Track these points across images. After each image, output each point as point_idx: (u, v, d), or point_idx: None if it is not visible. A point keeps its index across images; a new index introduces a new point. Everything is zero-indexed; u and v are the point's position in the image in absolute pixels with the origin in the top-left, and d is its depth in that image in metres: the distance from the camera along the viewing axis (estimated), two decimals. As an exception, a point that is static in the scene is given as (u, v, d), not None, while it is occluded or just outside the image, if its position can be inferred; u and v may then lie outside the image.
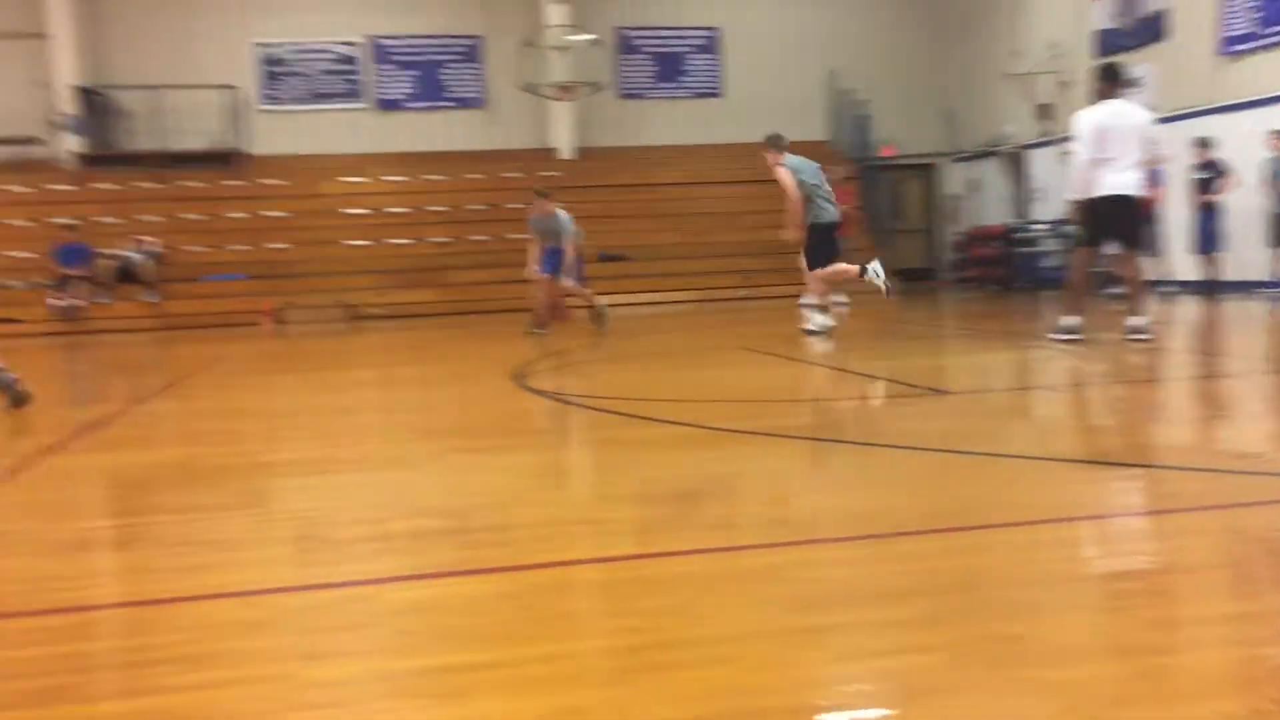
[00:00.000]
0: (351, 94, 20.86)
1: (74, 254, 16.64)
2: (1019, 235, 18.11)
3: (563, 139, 20.78)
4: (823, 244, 9.57)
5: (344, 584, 2.74)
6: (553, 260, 11.28)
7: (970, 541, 2.91)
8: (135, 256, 16.93)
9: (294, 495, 4.09)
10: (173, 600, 2.68)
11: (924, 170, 22.77)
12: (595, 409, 5.97)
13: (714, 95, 22.20)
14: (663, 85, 22.15)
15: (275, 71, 20.47)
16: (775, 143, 9.53)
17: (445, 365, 9.47)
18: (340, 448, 5.18)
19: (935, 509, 3.29)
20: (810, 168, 9.66)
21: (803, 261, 9.76)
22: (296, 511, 3.76)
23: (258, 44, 20.28)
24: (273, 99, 20.45)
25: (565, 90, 18.83)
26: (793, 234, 9.62)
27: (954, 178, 22.29)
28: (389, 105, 21.06)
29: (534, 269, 11.49)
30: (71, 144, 18.97)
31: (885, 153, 21.71)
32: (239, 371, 9.76)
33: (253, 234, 18.48)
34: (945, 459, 4.10)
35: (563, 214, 11.24)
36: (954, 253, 21.19)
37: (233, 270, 17.76)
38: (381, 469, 4.47)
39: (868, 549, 2.89)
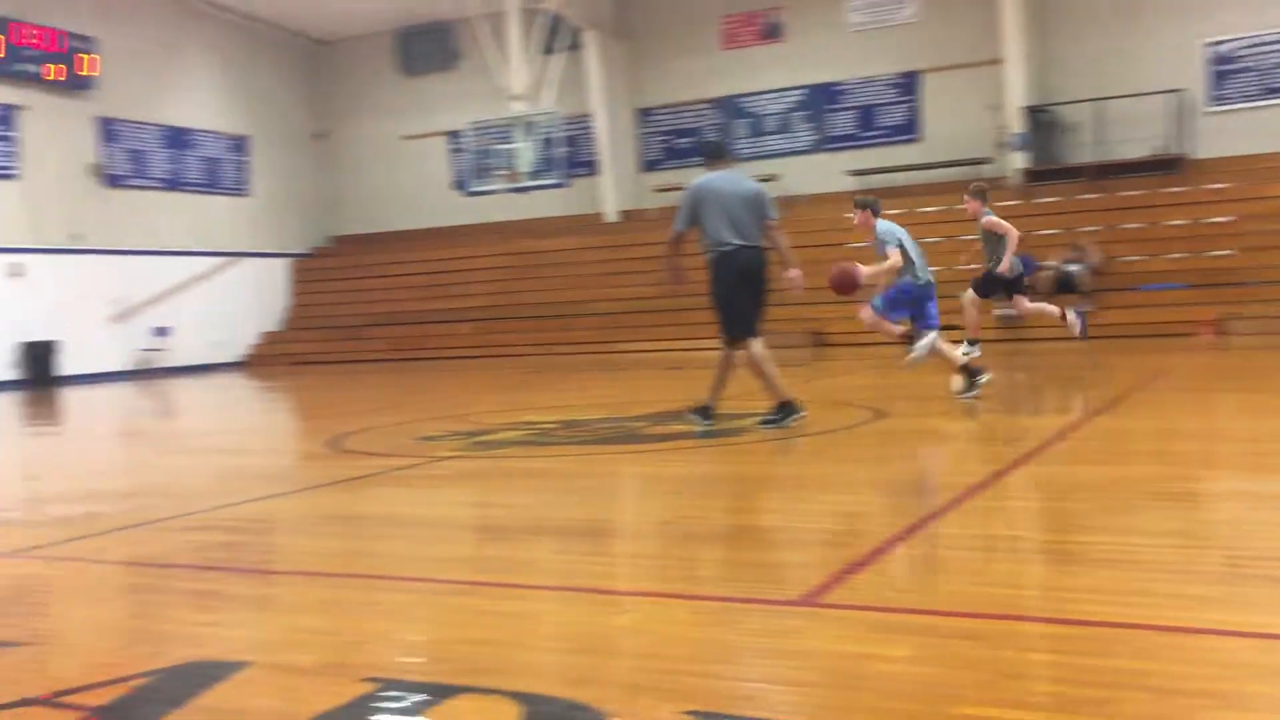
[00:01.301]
0: (1316, 83, 18.98)
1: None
2: None
3: None
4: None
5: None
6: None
7: None
8: (1073, 268, 17.38)
9: (1265, 532, 3.93)
10: (1173, 629, 2.77)
11: None
12: None
13: None
14: None
15: (1225, 69, 19.46)
16: (981, 194, 9.58)
17: None
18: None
19: None
20: None
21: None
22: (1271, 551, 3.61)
23: (1207, 43, 19.46)
24: (1220, 99, 19.47)
25: None
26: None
27: None
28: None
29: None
30: (1017, 161, 20.09)
31: None
32: (1180, 388, 9.55)
33: (1194, 241, 17.79)
34: None
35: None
36: None
37: (1170, 279, 17.30)
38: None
39: None
